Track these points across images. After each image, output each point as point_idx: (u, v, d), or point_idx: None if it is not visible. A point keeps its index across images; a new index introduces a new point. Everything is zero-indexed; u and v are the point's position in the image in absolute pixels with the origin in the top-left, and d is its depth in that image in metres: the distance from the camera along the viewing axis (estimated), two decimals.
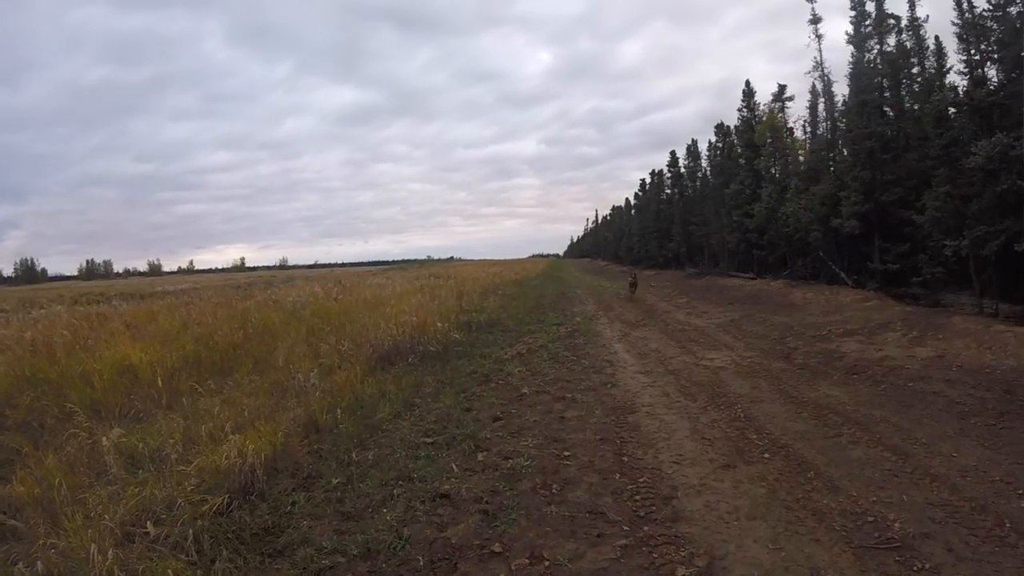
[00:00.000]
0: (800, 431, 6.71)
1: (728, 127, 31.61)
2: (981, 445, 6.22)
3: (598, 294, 26.78)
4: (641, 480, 5.33)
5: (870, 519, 4.57)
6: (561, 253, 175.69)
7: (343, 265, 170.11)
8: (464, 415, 7.34)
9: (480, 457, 5.93)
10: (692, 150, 39.04)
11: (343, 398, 7.65)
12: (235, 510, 4.72)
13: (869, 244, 16.83)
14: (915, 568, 3.93)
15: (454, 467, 5.64)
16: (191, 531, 4.24)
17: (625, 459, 5.87)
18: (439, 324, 12.55)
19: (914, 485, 5.21)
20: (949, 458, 5.85)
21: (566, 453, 6.04)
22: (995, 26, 12.15)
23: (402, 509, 4.82)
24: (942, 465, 5.67)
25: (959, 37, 12.93)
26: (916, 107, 15.85)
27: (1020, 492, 5.03)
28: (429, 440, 6.39)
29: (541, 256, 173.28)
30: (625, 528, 4.49)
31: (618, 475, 5.47)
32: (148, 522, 4.30)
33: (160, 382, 8.04)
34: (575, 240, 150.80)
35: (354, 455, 5.93)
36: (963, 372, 8.89)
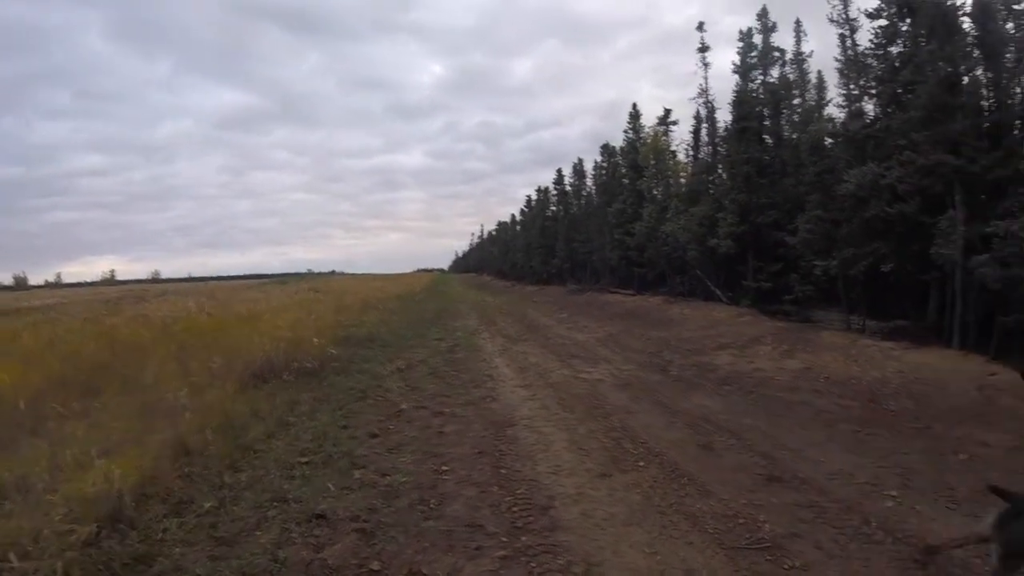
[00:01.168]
0: (674, 439, 6.95)
1: (614, 148, 32.65)
2: (847, 450, 6.60)
3: (480, 309, 26.98)
4: (519, 492, 5.39)
5: (741, 521, 4.76)
6: (446, 268, 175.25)
7: (219, 278, 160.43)
8: (340, 433, 7.20)
9: (357, 475, 5.85)
10: (578, 169, 40.04)
11: (214, 418, 7.26)
12: (104, 539, 4.47)
13: (744, 263, 17.76)
14: (785, 566, 4.09)
15: (330, 486, 5.53)
16: (60, 564, 3.99)
17: (503, 471, 5.93)
18: (315, 340, 12.14)
19: (783, 489, 5.47)
20: (817, 463, 6.17)
21: (444, 468, 6.06)
22: (875, 63, 13.09)
23: (277, 531, 4.69)
24: (810, 469, 5.97)
25: (840, 72, 13.90)
26: (795, 136, 16.83)
27: (885, 493, 5.35)
28: (304, 459, 6.25)
29: (426, 271, 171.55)
30: (503, 540, 4.52)
31: (496, 487, 5.51)
32: (11, 555, 3.98)
33: (23, 405, 7.21)
34: (460, 255, 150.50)
35: (226, 477, 5.71)
36: (830, 383, 9.46)
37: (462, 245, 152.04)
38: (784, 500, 5.18)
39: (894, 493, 5.33)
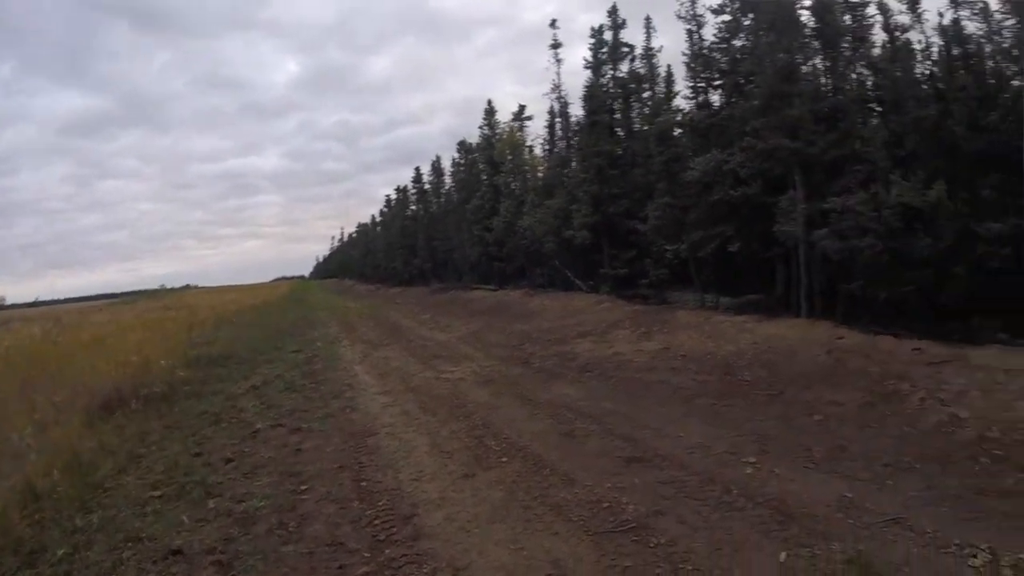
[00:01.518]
0: (536, 431, 6.96)
1: (471, 144, 32.69)
2: (705, 423, 6.84)
3: (341, 315, 26.36)
4: (380, 503, 5.29)
5: (605, 505, 4.81)
6: (307, 274, 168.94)
7: (69, 301, 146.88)
8: (193, 461, 6.86)
9: (212, 504, 5.60)
10: (436, 166, 39.77)
11: (61, 457, 6.79)
12: None
13: (600, 252, 18.27)
14: (651, 544, 4.15)
15: (185, 519, 5.28)
16: None
17: (364, 484, 5.80)
18: (163, 362, 11.57)
19: (645, 468, 5.58)
20: (676, 439, 6.33)
21: (303, 487, 5.88)
22: (719, 56, 13.90)
23: (133, 573, 4.48)
24: (670, 446, 6.12)
25: (688, 66, 14.62)
26: (645, 127, 17.45)
27: (743, 460, 5.58)
28: (157, 493, 5.96)
29: (285, 279, 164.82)
30: (366, 555, 4.43)
31: (357, 502, 5.40)
32: None
33: None
34: (320, 260, 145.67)
35: (78, 520, 5.38)
36: (687, 360, 9.76)
37: (323, 250, 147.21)
38: (646, 479, 5.28)
39: (753, 460, 5.55)
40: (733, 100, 13.26)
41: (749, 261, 12.69)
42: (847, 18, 11.30)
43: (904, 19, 10.90)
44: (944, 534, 4.05)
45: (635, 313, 13.82)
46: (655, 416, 7.19)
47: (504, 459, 6.09)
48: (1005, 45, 9.93)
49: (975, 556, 3.79)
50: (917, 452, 5.47)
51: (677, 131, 15.14)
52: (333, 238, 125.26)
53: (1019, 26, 9.65)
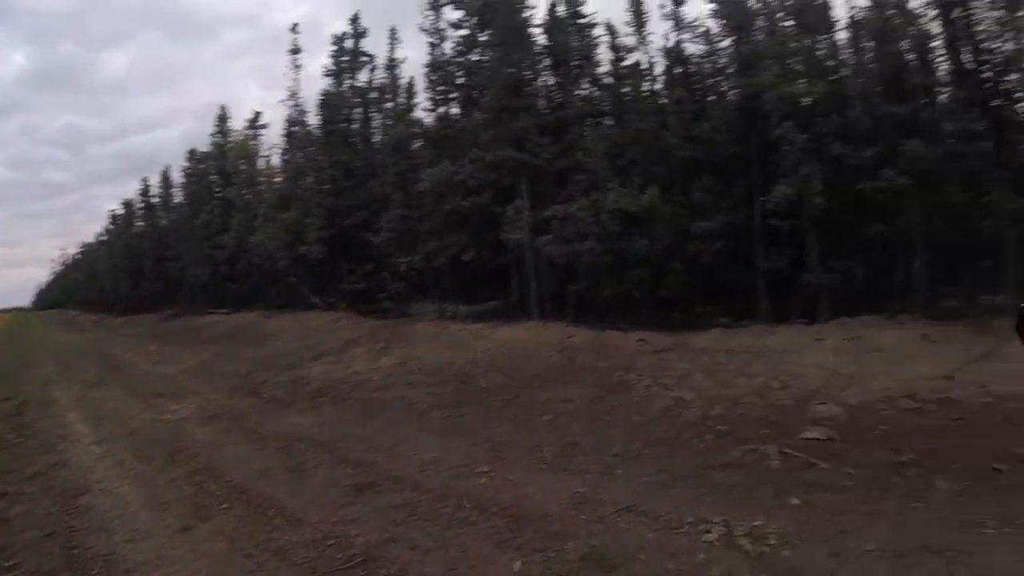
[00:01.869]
0: (263, 469, 6.56)
1: (203, 153, 30.40)
2: (441, 436, 6.80)
3: (59, 352, 23.51)
4: (93, 572, 4.72)
5: (332, 542, 4.57)
6: (30, 304, 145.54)
7: None
8: None
9: None
10: (165, 177, 36.32)
11: None
12: None
13: (336, 267, 17.95)
14: None
15: None
16: None
17: (75, 552, 5.14)
18: None
19: (376, 494, 5.41)
20: (410, 457, 6.22)
21: (9, 563, 5.12)
22: (455, 70, 14.36)
23: None
24: (404, 465, 5.98)
25: (427, 78, 14.97)
26: (385, 138, 17.44)
27: (476, 471, 5.54)
28: None
29: (5, 311, 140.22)
30: None
31: (68, 574, 4.80)
32: None
33: None
34: (43, 287, 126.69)
35: None
36: (424, 373, 9.76)
37: (46, 275, 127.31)
38: (377, 506, 5.11)
39: (487, 468, 5.55)
40: (467, 112, 13.68)
41: (484, 269, 13.20)
42: (576, 38, 12.13)
43: (630, 40, 11.93)
44: (677, 514, 4.22)
45: (373, 329, 13.76)
46: (389, 435, 7.06)
47: (226, 505, 5.64)
48: (721, 64, 11.23)
49: (709, 531, 3.96)
50: (646, 438, 5.79)
51: (417, 142, 15.33)
52: (52, 261, 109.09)
53: (735, 44, 10.96)
